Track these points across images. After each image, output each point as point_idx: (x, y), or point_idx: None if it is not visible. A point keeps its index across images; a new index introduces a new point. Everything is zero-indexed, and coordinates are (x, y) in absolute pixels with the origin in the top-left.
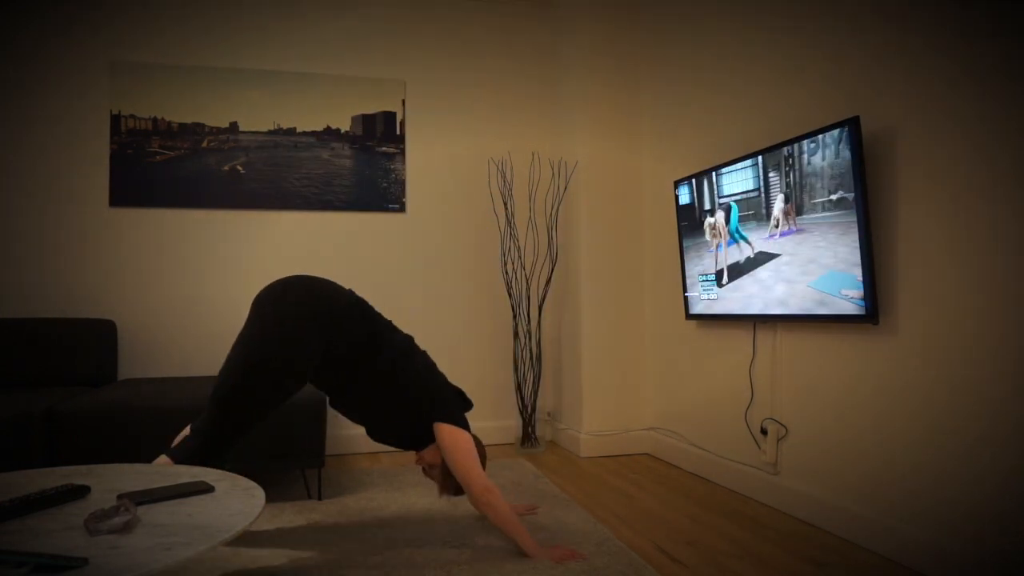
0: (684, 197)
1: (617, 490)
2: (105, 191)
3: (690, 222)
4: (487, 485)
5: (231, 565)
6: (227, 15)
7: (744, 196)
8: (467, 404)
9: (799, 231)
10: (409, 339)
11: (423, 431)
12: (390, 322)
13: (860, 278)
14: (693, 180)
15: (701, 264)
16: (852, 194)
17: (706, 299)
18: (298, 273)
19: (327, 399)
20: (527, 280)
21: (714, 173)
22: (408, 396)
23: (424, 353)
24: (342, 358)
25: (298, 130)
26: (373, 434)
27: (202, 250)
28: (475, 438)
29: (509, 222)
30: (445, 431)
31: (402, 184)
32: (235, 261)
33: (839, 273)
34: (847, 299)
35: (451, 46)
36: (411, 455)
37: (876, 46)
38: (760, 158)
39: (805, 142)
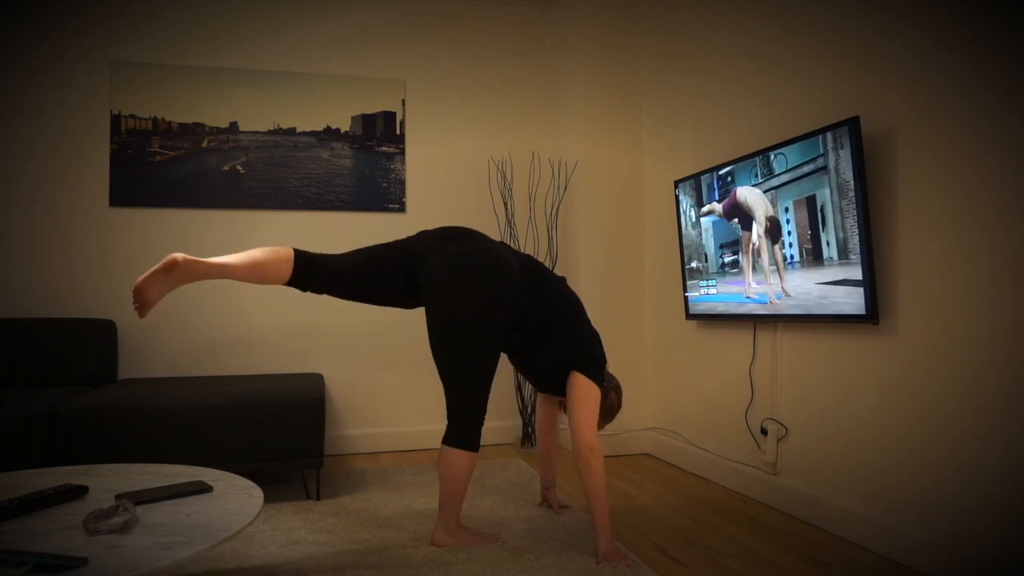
0: (684, 197)
1: (617, 490)
2: (105, 191)
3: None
4: (593, 444)
5: (229, 565)
6: (227, 15)
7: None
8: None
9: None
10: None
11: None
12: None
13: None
14: (693, 180)
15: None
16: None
17: (706, 296)
18: None
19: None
20: None
21: (714, 173)
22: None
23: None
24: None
25: (298, 130)
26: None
27: (202, 250)
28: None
29: (509, 222)
30: (581, 380)
31: (402, 184)
32: None
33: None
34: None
35: (451, 46)
36: (409, 455)
37: (877, 46)
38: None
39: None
